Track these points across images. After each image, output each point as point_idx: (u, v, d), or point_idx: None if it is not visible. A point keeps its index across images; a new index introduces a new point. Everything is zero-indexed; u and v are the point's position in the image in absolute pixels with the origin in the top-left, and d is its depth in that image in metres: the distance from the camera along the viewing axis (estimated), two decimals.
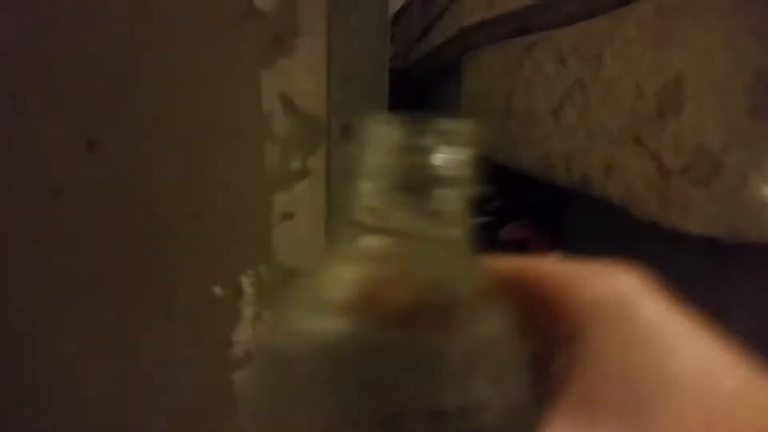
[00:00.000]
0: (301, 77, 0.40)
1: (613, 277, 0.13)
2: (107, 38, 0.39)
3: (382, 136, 0.13)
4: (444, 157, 0.13)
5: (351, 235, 0.14)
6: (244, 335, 0.43)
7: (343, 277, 0.14)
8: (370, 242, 0.13)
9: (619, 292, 0.13)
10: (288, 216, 0.42)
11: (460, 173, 0.13)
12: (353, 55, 0.40)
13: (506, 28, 0.89)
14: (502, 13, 0.87)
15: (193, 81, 0.39)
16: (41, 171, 0.40)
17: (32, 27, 0.38)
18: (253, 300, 0.43)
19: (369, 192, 0.13)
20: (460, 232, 0.13)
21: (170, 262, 0.42)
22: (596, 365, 0.12)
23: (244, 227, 0.42)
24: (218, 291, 0.43)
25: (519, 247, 0.93)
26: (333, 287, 0.14)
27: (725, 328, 0.12)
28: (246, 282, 0.43)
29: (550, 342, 0.13)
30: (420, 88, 1.25)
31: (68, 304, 0.42)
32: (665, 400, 0.11)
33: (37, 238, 0.41)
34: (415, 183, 0.13)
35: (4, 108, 0.39)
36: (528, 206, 1.00)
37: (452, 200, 0.13)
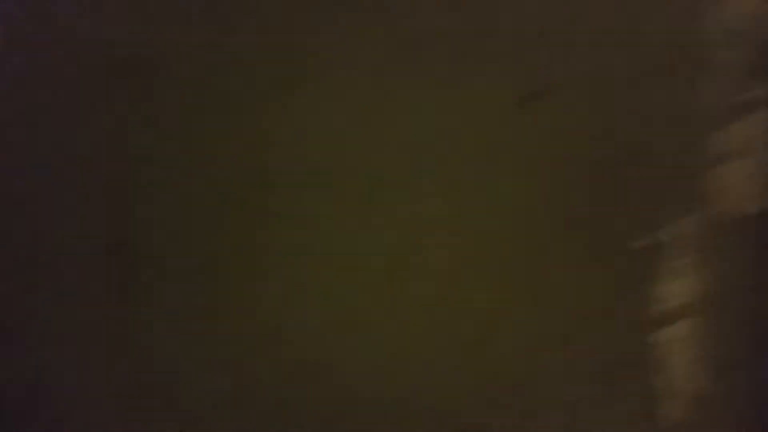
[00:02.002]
0: (747, 1, 0.36)
1: None
2: None
3: None
4: None
5: None
6: (670, 290, 0.40)
7: None
8: None
9: None
10: (728, 156, 0.38)
11: None
12: None
13: None
14: None
15: (628, 23, 0.37)
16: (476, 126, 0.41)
17: None
18: (681, 252, 0.40)
19: None
20: None
21: (589, 210, 0.40)
22: None
23: (676, 170, 0.39)
24: (647, 240, 0.40)
25: None
26: None
27: None
28: (674, 231, 0.39)
29: None
30: None
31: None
32: None
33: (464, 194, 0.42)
34: None
35: None
36: None
37: None
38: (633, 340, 0.41)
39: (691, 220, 0.39)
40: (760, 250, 0.39)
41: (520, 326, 0.43)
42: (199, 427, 0.45)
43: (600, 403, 0.41)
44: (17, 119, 0.47)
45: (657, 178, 0.39)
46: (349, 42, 0.42)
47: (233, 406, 0.45)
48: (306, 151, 0.44)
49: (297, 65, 0.43)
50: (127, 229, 0.47)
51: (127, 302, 0.48)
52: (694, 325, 0.40)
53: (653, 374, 0.41)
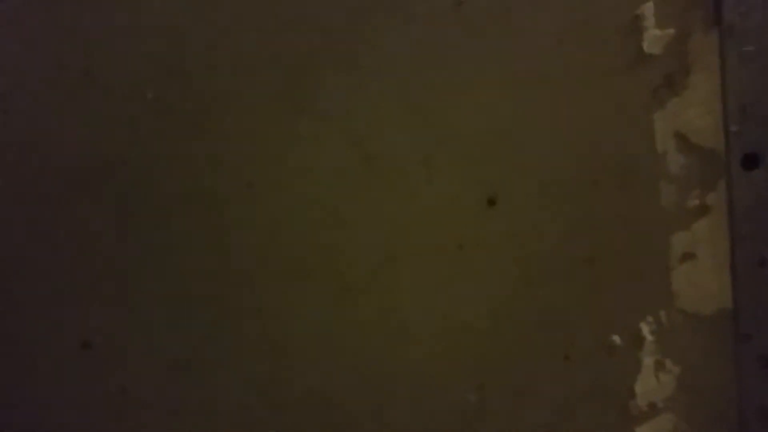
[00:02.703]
0: (694, 113, 0.40)
1: None
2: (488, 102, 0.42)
3: None
4: None
5: None
6: (646, 386, 0.41)
7: None
8: None
9: None
10: (688, 257, 0.40)
11: None
12: (749, 84, 0.39)
13: None
14: None
15: (588, 129, 0.41)
16: (445, 227, 0.43)
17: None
18: (654, 348, 0.41)
19: None
20: None
21: (565, 307, 0.42)
22: None
23: (641, 270, 0.41)
24: (617, 339, 0.41)
25: None
26: None
27: None
28: (646, 329, 0.41)
29: None
30: None
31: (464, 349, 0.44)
32: None
33: (441, 290, 0.43)
34: None
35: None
36: None
37: None
38: None
39: (662, 316, 0.41)
40: (720, 347, 0.40)
41: (501, 421, 0.43)
42: None
43: None
44: None
45: (627, 276, 0.41)
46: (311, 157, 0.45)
47: None
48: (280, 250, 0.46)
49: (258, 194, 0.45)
50: (98, 329, 0.48)
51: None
52: (672, 419, 0.40)
53: None
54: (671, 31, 0.40)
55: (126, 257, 0.47)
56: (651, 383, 0.41)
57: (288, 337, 0.46)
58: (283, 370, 0.46)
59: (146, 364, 0.48)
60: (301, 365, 0.46)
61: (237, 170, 0.45)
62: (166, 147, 0.46)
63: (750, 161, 0.39)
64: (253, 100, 0.45)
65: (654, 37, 0.40)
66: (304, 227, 0.45)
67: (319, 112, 0.44)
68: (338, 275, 0.45)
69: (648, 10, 0.40)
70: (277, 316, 0.46)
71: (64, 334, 0.49)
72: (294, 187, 0.45)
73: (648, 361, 0.41)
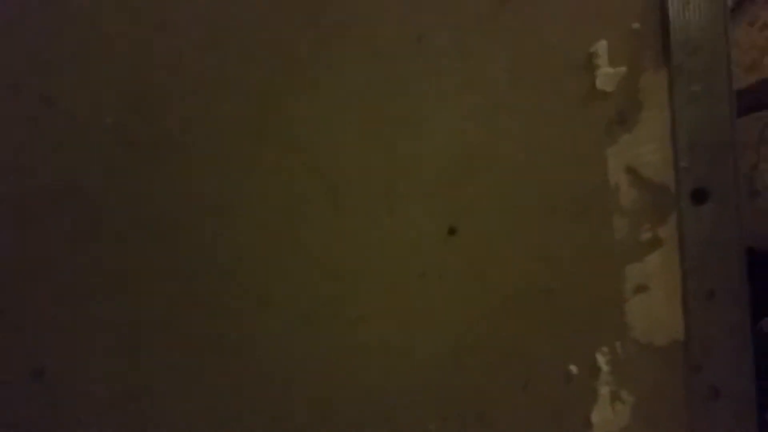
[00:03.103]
0: (646, 149, 0.41)
1: None
2: (458, 128, 0.43)
3: None
4: None
5: None
6: (601, 416, 0.41)
7: None
8: None
9: None
10: (642, 288, 0.41)
11: None
12: (698, 121, 0.41)
13: (741, 105, 0.86)
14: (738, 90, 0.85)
15: (544, 162, 0.42)
16: (408, 255, 0.43)
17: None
18: (610, 378, 0.41)
19: None
20: None
21: (524, 337, 0.42)
22: None
23: (597, 302, 0.41)
24: (573, 369, 0.42)
25: None
26: None
27: None
28: (601, 359, 0.41)
29: None
30: None
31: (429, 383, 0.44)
32: None
33: (403, 319, 0.43)
34: None
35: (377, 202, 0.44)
36: None
37: None
38: None
39: (617, 347, 0.41)
40: (673, 378, 0.41)
41: None
42: None
43: None
44: None
45: (583, 306, 0.42)
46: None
47: None
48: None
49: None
50: (50, 356, 0.46)
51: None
52: None
53: None
54: (623, 69, 0.41)
55: (81, 283, 0.46)
56: (607, 413, 0.41)
57: (247, 367, 0.46)
58: (242, 400, 0.46)
59: (101, 393, 0.47)
60: (260, 395, 0.45)
61: (196, 197, 0.45)
62: (124, 173, 0.46)
63: (699, 196, 0.41)
64: (215, 128, 0.45)
65: (606, 75, 0.41)
66: (265, 256, 0.45)
67: (282, 141, 0.45)
68: (299, 304, 0.45)
69: (601, 48, 0.41)
70: (239, 347, 0.46)
71: (16, 362, 0.48)
72: (255, 215, 0.45)
73: (604, 391, 0.42)
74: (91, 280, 0.46)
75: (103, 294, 0.46)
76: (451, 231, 0.43)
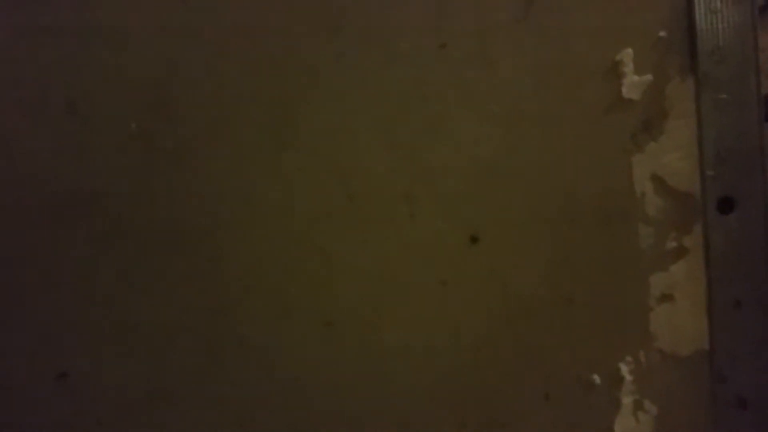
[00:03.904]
0: (672, 158, 0.41)
1: None
2: (484, 141, 0.43)
3: None
4: None
5: None
6: (624, 426, 0.41)
7: None
8: None
9: None
10: (666, 298, 0.41)
11: None
12: (725, 130, 0.40)
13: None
14: None
15: (568, 170, 0.42)
16: (429, 263, 0.43)
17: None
18: (633, 388, 0.41)
19: None
20: None
21: (545, 346, 0.42)
22: None
23: (620, 311, 0.41)
24: (596, 378, 0.42)
25: None
26: None
27: None
28: (625, 369, 0.41)
29: None
30: None
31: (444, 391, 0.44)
32: None
33: (424, 326, 0.44)
34: None
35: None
36: None
37: None
38: None
39: (641, 356, 0.41)
40: (698, 388, 0.40)
41: None
42: None
43: None
44: None
45: (606, 316, 0.42)
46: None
47: None
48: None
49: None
50: (74, 359, 0.47)
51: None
52: None
53: None
54: (649, 77, 0.41)
55: (105, 288, 0.47)
56: (630, 423, 0.41)
57: (270, 372, 0.46)
58: (263, 404, 0.46)
59: (123, 396, 0.47)
60: (282, 400, 0.46)
61: (218, 203, 0.45)
62: (148, 179, 0.46)
63: (725, 205, 0.40)
64: (237, 135, 0.45)
65: (632, 83, 0.41)
66: (287, 262, 0.45)
67: (304, 149, 0.45)
68: (321, 311, 0.45)
69: (627, 56, 0.41)
70: (260, 351, 0.46)
71: (41, 365, 0.48)
72: (277, 222, 0.45)
73: (627, 401, 0.41)
74: (114, 285, 0.47)
75: (126, 298, 0.47)
76: (473, 239, 0.43)
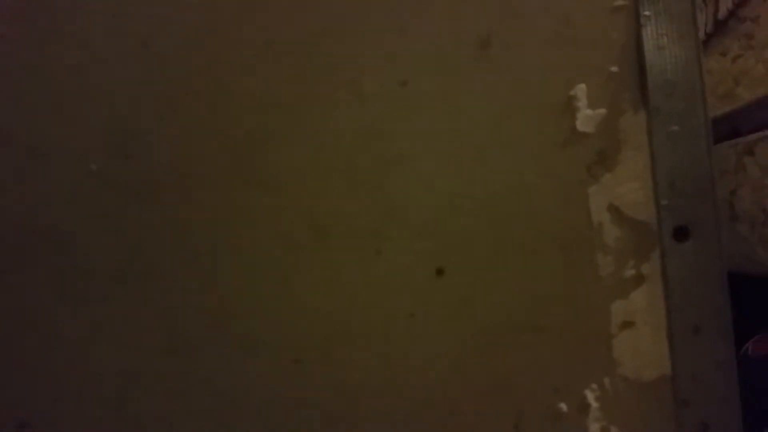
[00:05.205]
0: (627, 188, 0.42)
1: None
2: (446, 174, 0.44)
3: None
4: None
5: None
6: None
7: None
8: None
9: None
10: (628, 325, 0.42)
11: None
12: (677, 160, 0.42)
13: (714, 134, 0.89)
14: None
15: (528, 202, 0.43)
16: (397, 297, 0.44)
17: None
18: (600, 415, 0.42)
19: None
20: None
21: (513, 375, 0.43)
22: None
23: (584, 338, 0.42)
24: (563, 406, 0.42)
25: None
26: None
27: None
28: (590, 396, 0.42)
29: None
30: None
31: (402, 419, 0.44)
32: None
33: (393, 360, 0.44)
34: None
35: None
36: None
37: None
38: None
39: (606, 383, 0.42)
40: (662, 413, 0.41)
41: None
42: None
43: None
44: None
45: (571, 344, 0.42)
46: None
47: None
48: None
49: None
50: (34, 408, 0.46)
51: None
52: None
53: None
54: (603, 111, 0.43)
55: (64, 331, 0.46)
56: None
57: (238, 410, 0.45)
58: None
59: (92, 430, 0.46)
60: None
61: (183, 242, 0.45)
62: (109, 219, 0.46)
63: (681, 233, 0.42)
64: (201, 173, 0.45)
65: (587, 117, 0.42)
66: (253, 299, 0.45)
67: (269, 185, 0.45)
68: (289, 347, 0.45)
69: (581, 91, 0.43)
70: (225, 390, 0.45)
71: (0, 415, 0.47)
72: (243, 260, 0.45)
73: (594, 428, 0.42)
74: (75, 330, 0.46)
75: (88, 344, 0.46)
76: (439, 272, 0.44)
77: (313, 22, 0.45)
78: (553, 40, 0.43)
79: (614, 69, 0.43)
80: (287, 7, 0.45)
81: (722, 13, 0.84)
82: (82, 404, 0.46)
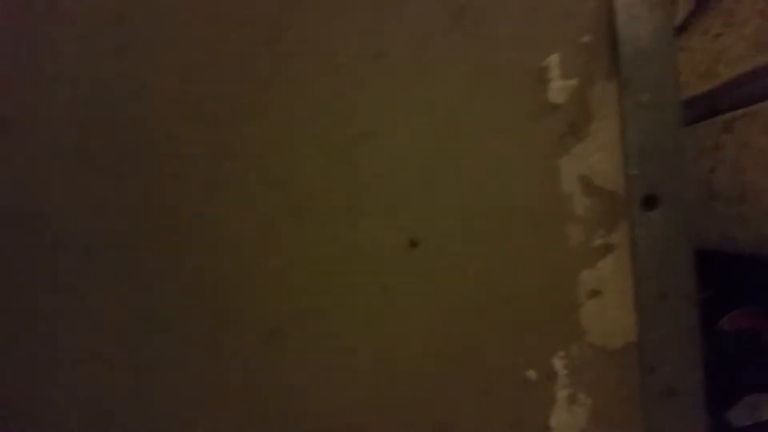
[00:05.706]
0: (597, 159, 0.43)
1: None
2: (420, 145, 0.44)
3: None
4: None
5: None
6: (560, 419, 0.42)
7: None
8: None
9: None
10: (595, 293, 0.42)
11: None
12: (647, 130, 0.42)
13: (693, 112, 0.89)
14: (689, 99, 0.88)
15: (500, 174, 0.43)
16: (370, 269, 0.44)
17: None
18: (567, 382, 0.43)
19: None
20: None
21: (484, 345, 0.43)
22: None
23: (552, 308, 0.43)
24: (532, 374, 0.43)
25: (752, 336, 0.86)
26: None
27: None
28: (558, 364, 0.43)
29: None
30: None
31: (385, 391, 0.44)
32: None
33: (366, 331, 0.44)
34: None
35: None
36: (746, 291, 0.93)
37: None
38: None
39: (573, 351, 0.43)
40: (629, 380, 0.42)
41: None
42: None
43: None
44: None
45: (539, 313, 0.43)
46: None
47: None
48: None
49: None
50: (8, 382, 0.46)
51: None
52: None
53: None
54: (574, 81, 0.43)
55: (40, 309, 0.46)
56: (565, 416, 0.42)
57: (212, 385, 0.46)
58: (206, 418, 0.46)
59: (65, 413, 0.46)
60: (224, 414, 0.46)
61: (158, 216, 0.45)
62: (85, 194, 0.46)
63: (649, 202, 0.42)
64: (175, 147, 0.45)
65: (558, 87, 0.43)
66: (228, 273, 0.45)
67: (243, 158, 0.45)
68: (264, 320, 0.45)
69: (553, 62, 0.43)
70: (201, 364, 0.46)
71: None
72: (218, 233, 0.45)
73: (562, 395, 0.43)
74: (47, 304, 0.46)
75: (60, 318, 0.46)
76: (413, 243, 0.44)
77: None
78: (526, 11, 0.43)
79: (586, 39, 0.43)
80: None
81: None
82: (56, 380, 0.46)
